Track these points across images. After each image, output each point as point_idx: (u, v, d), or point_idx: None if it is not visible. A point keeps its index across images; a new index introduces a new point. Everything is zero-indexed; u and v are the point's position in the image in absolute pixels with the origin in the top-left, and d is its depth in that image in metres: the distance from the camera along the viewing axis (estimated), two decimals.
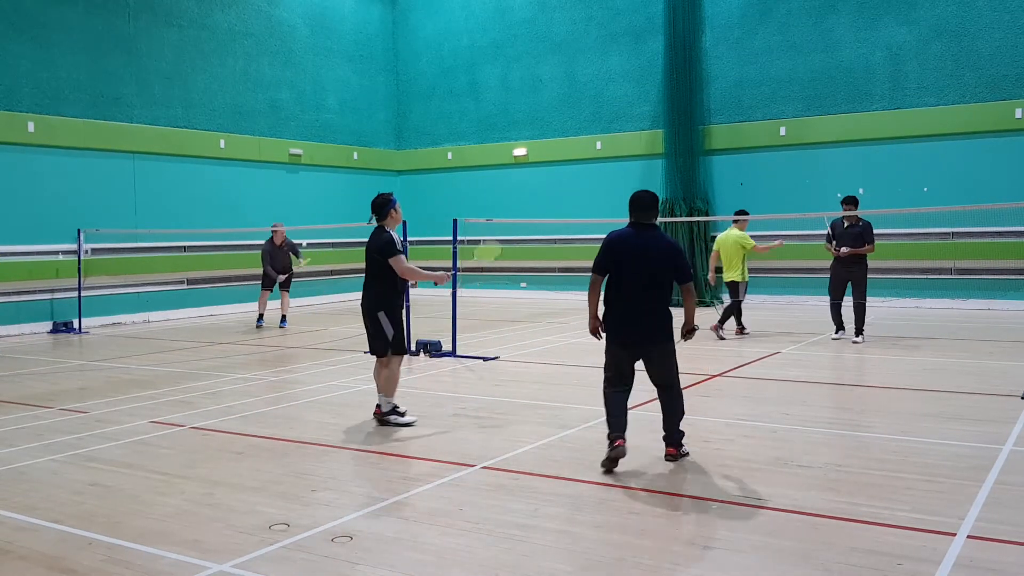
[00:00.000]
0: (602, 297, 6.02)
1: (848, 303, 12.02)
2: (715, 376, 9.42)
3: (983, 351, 10.95)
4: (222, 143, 18.20)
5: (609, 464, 5.71)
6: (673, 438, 6.03)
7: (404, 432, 7.05)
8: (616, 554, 4.32)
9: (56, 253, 15.43)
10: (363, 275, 7.47)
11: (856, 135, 17.00)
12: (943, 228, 16.18)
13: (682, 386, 6.12)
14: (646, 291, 5.84)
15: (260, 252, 15.47)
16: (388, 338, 7.31)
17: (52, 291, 15.35)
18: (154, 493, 5.47)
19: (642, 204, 5.96)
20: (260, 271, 15.30)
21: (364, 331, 7.48)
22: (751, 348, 11.55)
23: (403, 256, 7.33)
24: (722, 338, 12.37)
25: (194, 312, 17.56)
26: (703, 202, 18.20)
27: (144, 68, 16.83)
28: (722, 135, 18.34)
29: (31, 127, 14.98)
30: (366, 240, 7.44)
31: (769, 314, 15.94)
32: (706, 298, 17.91)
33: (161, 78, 17.14)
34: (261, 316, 15.35)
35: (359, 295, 7.57)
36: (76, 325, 15.26)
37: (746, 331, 12.86)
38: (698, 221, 17.73)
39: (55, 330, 15.16)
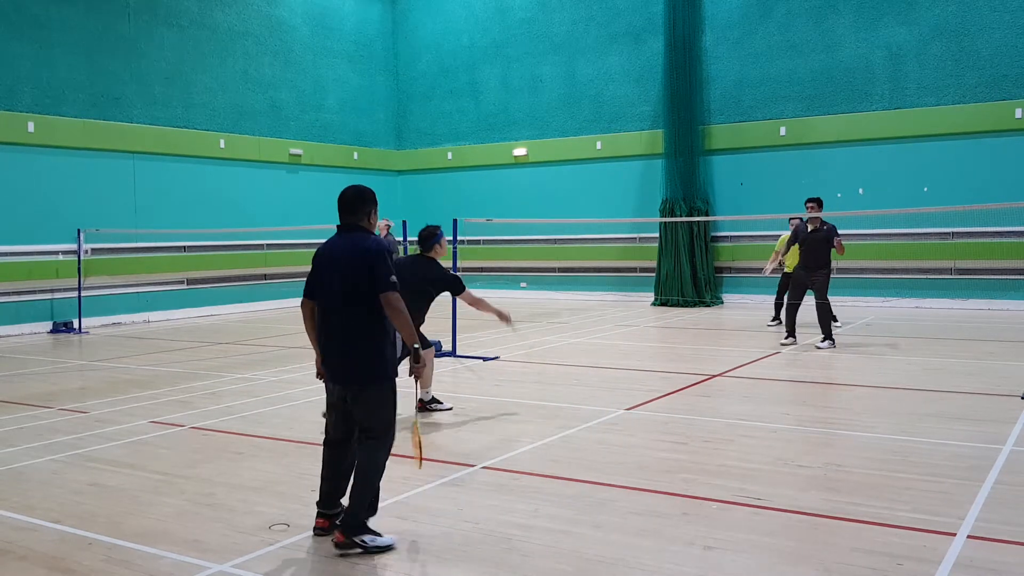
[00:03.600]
0: None
1: (809, 303, 11.81)
2: (715, 376, 9.42)
3: (983, 351, 10.95)
4: (222, 143, 18.19)
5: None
6: (347, 517, 4.45)
7: (404, 432, 7.04)
8: (616, 554, 4.32)
9: (56, 253, 15.43)
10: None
11: (856, 135, 17.00)
12: (943, 228, 16.18)
13: (391, 448, 4.64)
14: (338, 310, 4.55)
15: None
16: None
17: (52, 291, 15.34)
18: (154, 493, 5.47)
19: (342, 203, 4.67)
20: (259, 271, 15.25)
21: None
22: (751, 348, 11.55)
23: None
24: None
25: (194, 312, 17.55)
26: (703, 202, 18.19)
27: (144, 68, 16.83)
28: (722, 135, 18.34)
29: (31, 127, 14.97)
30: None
31: (769, 314, 15.92)
32: (706, 298, 17.94)
33: (161, 78, 17.14)
34: None
35: None
36: (76, 325, 15.25)
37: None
38: (698, 221, 17.73)
39: (55, 330, 15.16)
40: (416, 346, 4.48)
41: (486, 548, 4.44)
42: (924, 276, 16.53)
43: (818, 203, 11.68)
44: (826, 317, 11.40)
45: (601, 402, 8.04)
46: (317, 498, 4.73)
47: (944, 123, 16.19)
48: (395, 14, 22.62)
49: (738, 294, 18.16)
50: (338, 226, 4.70)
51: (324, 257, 4.65)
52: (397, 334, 5.41)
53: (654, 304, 18.25)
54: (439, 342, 11.33)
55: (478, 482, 5.55)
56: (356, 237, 4.59)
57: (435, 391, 8.84)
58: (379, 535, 4.47)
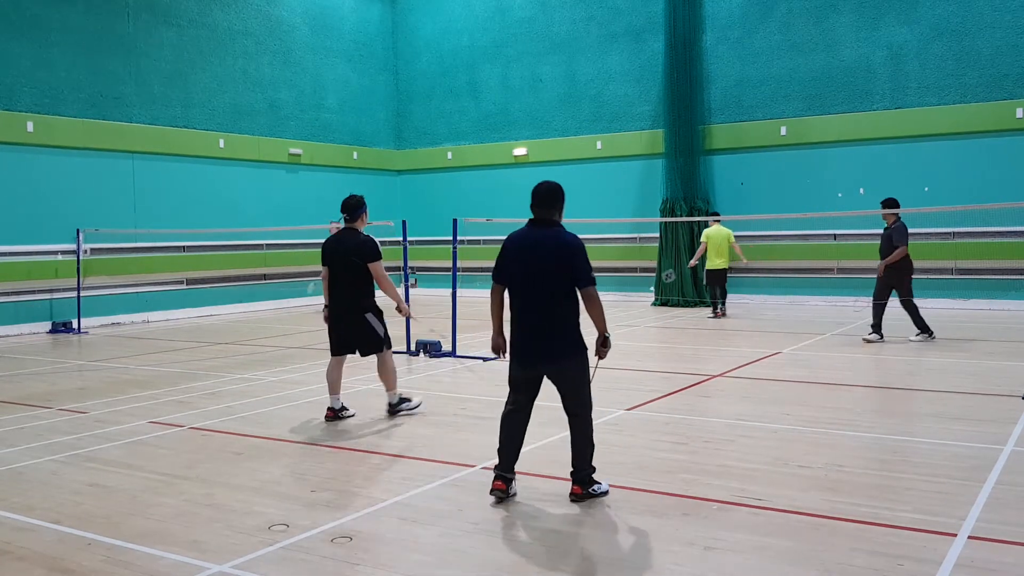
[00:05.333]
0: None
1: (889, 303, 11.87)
2: (715, 376, 9.41)
3: (983, 351, 10.94)
4: (221, 143, 18.18)
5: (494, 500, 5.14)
6: (579, 475, 5.13)
7: (404, 432, 7.05)
8: (616, 554, 4.31)
9: (55, 253, 15.42)
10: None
11: (857, 135, 16.99)
12: (944, 228, 16.16)
13: (593, 417, 5.25)
14: (536, 299, 5.06)
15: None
16: (381, 336, 7.50)
17: (51, 291, 15.34)
18: (153, 494, 5.46)
19: (537, 196, 5.22)
20: (259, 271, 15.19)
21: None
22: (751, 348, 11.54)
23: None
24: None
25: (193, 312, 17.55)
26: (703, 202, 18.18)
27: (143, 68, 16.82)
28: (722, 135, 18.33)
29: (30, 127, 14.97)
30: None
31: (770, 314, 15.93)
32: (707, 298, 17.92)
33: (160, 78, 17.13)
34: None
35: None
36: (75, 325, 15.24)
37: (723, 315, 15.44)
38: (698, 221, 17.71)
39: (54, 330, 15.15)
40: (607, 335, 5.12)
41: (486, 548, 4.43)
42: (925, 276, 16.46)
43: (888, 204, 11.76)
44: (914, 312, 11.67)
45: (601, 402, 7.99)
46: (496, 463, 5.20)
47: (945, 123, 16.18)
48: (395, 14, 22.62)
49: (738, 294, 18.13)
50: (530, 219, 5.20)
51: (517, 247, 5.15)
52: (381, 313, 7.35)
53: (654, 304, 18.25)
54: (439, 342, 11.32)
55: (478, 482, 5.54)
56: (554, 232, 5.10)
57: (435, 392, 8.85)
58: (601, 483, 5.19)
